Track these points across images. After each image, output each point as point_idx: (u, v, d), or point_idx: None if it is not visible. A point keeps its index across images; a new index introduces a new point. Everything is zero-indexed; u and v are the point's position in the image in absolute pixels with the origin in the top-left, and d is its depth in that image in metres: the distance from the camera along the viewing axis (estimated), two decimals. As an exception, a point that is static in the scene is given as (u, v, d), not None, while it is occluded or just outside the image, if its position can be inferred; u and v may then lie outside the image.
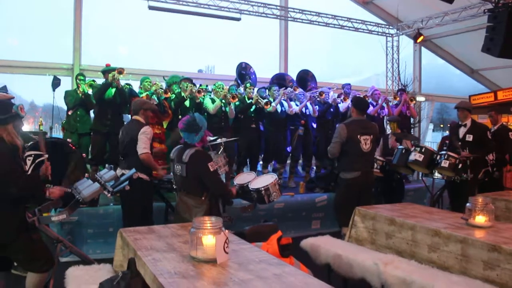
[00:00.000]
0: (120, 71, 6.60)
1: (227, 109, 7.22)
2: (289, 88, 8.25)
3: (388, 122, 8.19)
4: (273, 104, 7.52)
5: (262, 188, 4.64)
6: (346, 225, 4.68)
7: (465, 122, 6.14)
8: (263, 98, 7.45)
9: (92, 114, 7.09)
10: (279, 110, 7.69)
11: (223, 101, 7.16)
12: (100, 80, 7.08)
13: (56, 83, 6.99)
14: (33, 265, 3.40)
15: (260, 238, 3.49)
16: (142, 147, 4.60)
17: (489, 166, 6.69)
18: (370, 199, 5.39)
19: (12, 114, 3.18)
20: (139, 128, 4.70)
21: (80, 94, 6.83)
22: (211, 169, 3.97)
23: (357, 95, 7.77)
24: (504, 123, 7.19)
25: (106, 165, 5.89)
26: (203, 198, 4.04)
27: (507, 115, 11.21)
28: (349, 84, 9.33)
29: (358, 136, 5.09)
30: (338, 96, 8.58)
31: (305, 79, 9.76)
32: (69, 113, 6.88)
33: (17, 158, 3.27)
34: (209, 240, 2.46)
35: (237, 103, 7.33)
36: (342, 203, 5.29)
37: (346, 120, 5.64)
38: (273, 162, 8.48)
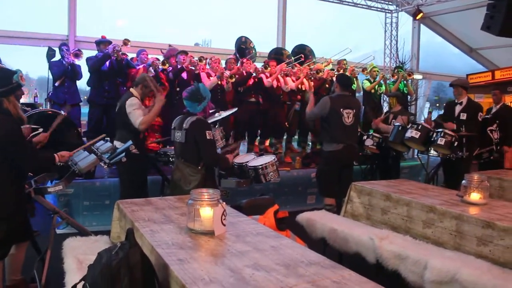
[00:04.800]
0: (125, 42, 6.58)
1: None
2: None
3: (387, 97, 8.16)
4: (269, 79, 7.45)
5: (260, 167, 4.72)
6: (328, 196, 4.92)
7: (461, 100, 6.14)
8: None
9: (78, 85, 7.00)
10: (275, 85, 7.63)
11: (219, 77, 7.09)
12: (94, 52, 6.99)
13: (51, 54, 6.85)
14: None
15: (257, 211, 3.51)
16: (135, 118, 4.43)
17: (493, 144, 6.69)
18: (352, 173, 5.47)
19: (14, 85, 3.03)
20: (127, 98, 4.54)
21: (67, 65, 6.66)
22: (208, 137, 4.01)
23: (342, 73, 7.75)
24: (506, 103, 7.18)
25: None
26: (199, 167, 4.07)
27: (505, 95, 11.18)
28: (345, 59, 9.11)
29: (341, 110, 5.16)
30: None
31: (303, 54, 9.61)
32: (56, 84, 6.69)
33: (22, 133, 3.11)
34: (206, 212, 2.47)
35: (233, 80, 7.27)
36: (323, 174, 5.42)
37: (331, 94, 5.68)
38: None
